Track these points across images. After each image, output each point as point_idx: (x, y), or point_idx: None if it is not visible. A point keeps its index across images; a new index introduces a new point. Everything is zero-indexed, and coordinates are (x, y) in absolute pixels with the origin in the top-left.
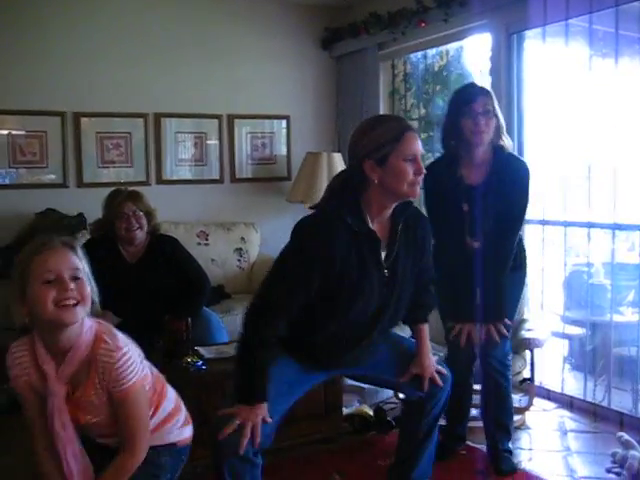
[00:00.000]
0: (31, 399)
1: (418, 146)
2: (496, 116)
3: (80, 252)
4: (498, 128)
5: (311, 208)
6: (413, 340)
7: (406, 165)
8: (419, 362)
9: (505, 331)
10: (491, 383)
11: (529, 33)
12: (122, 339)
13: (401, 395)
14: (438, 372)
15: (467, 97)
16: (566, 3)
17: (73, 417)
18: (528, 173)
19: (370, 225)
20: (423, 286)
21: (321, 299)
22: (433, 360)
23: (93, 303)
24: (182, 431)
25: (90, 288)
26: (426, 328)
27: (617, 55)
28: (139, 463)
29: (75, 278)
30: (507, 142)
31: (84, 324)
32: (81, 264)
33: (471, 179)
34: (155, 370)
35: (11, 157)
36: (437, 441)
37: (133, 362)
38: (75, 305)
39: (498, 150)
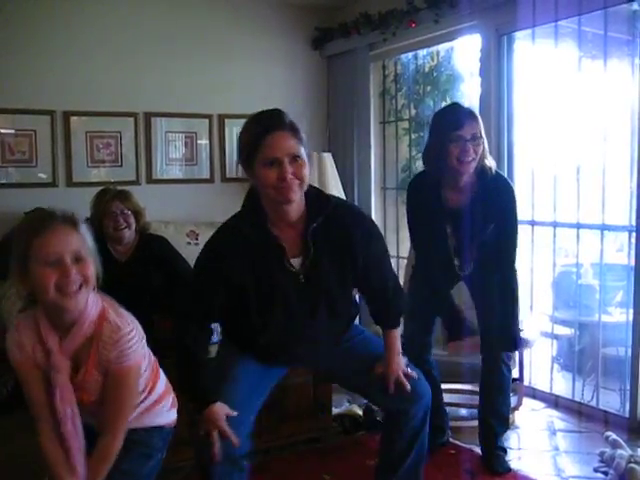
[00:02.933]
0: (33, 376)
1: (282, 147)
2: (482, 142)
3: (82, 227)
4: (483, 152)
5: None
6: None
7: (267, 171)
8: (385, 361)
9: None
10: (495, 374)
11: (519, 34)
12: (127, 317)
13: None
14: (406, 375)
15: (454, 122)
16: (555, 5)
17: (77, 398)
18: (514, 196)
19: (272, 232)
20: (384, 292)
21: (239, 307)
22: (402, 361)
23: (98, 279)
24: (169, 414)
25: (94, 265)
26: (395, 332)
27: (606, 57)
28: (120, 445)
29: (78, 259)
30: (491, 163)
31: (89, 300)
32: (84, 242)
33: (455, 202)
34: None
35: (0, 156)
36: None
37: (135, 342)
38: (78, 289)
39: (482, 173)
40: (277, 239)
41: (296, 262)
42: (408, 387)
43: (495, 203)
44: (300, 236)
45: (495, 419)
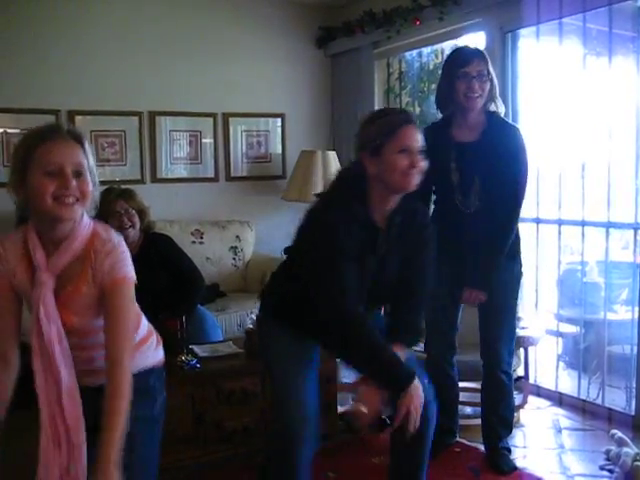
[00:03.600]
0: (6, 295)
1: (414, 140)
2: (490, 80)
3: (87, 146)
4: (492, 91)
5: (318, 196)
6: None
7: (399, 156)
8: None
9: (483, 298)
10: (495, 382)
11: (523, 32)
12: (117, 236)
13: None
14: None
15: (462, 60)
16: (560, 2)
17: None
18: (521, 137)
19: (373, 216)
20: (415, 300)
21: None
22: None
23: (94, 202)
24: (156, 353)
25: (92, 185)
26: (405, 351)
27: (611, 54)
28: (130, 376)
29: (78, 174)
30: (500, 107)
31: (83, 218)
32: (86, 159)
33: (461, 137)
34: None
35: (5, 155)
36: None
37: (127, 257)
38: (74, 202)
39: (490, 115)
40: (376, 223)
41: (379, 249)
42: (412, 429)
43: (502, 142)
44: (386, 226)
45: (498, 423)
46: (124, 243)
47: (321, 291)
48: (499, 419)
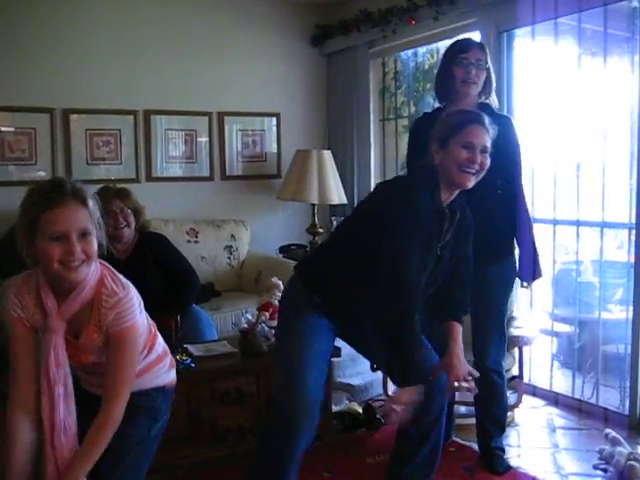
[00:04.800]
0: (28, 338)
1: (479, 138)
2: (487, 70)
3: (91, 203)
4: (487, 83)
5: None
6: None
7: (461, 150)
8: (448, 361)
9: None
10: (487, 381)
11: (519, 31)
12: (122, 282)
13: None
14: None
15: (462, 46)
16: (555, 2)
17: (76, 359)
18: (513, 126)
19: (442, 204)
20: (460, 278)
21: None
22: (465, 363)
23: (101, 247)
24: (169, 374)
25: (97, 241)
26: (459, 328)
27: (606, 54)
28: (121, 414)
29: (83, 235)
30: (494, 101)
31: (90, 267)
32: (91, 217)
33: None
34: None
35: (0, 154)
36: None
37: (132, 305)
38: (80, 265)
39: (483, 106)
40: (445, 211)
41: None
42: (472, 389)
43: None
44: (448, 217)
45: (491, 423)
46: (130, 292)
47: (390, 256)
48: (492, 419)
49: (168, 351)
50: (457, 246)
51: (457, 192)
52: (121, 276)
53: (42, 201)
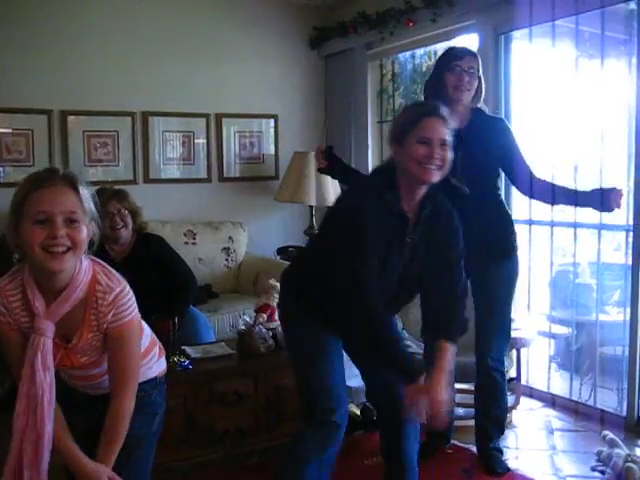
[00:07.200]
0: (15, 340)
1: (436, 132)
2: (479, 78)
3: (83, 190)
4: (478, 92)
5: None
6: None
7: (418, 146)
8: (432, 382)
9: None
10: (488, 380)
11: (516, 34)
12: (117, 275)
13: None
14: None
15: (456, 54)
16: (552, 4)
17: (66, 362)
18: (509, 128)
19: (403, 205)
20: (451, 296)
21: None
22: (445, 394)
23: (92, 244)
24: (159, 364)
25: (87, 231)
26: (449, 351)
27: (603, 56)
28: (133, 404)
29: (70, 221)
30: (483, 108)
31: (81, 264)
32: (80, 203)
33: None
34: None
35: None
36: (420, 440)
37: (130, 298)
38: (65, 252)
39: (476, 111)
40: (405, 212)
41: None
42: (441, 427)
43: (490, 131)
44: (415, 216)
45: (490, 423)
46: (125, 286)
47: (344, 272)
48: (491, 419)
49: (156, 340)
50: (434, 247)
51: (423, 189)
52: (114, 270)
53: (31, 183)
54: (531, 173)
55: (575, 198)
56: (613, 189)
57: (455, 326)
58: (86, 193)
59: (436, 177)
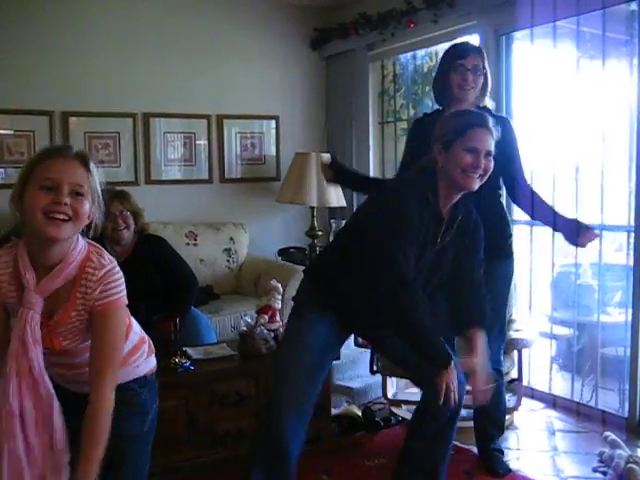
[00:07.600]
0: None
1: (483, 143)
2: (485, 75)
3: (93, 169)
4: (484, 87)
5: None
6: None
7: (465, 154)
8: (469, 363)
9: None
10: None
11: (517, 35)
12: (108, 257)
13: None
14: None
15: (459, 52)
16: (554, 5)
17: (48, 343)
18: (512, 128)
19: (440, 207)
20: (479, 291)
21: None
22: (486, 369)
23: (91, 227)
24: (148, 362)
25: (90, 208)
26: (481, 335)
27: (604, 57)
28: (112, 395)
29: (76, 193)
30: (489, 104)
31: (77, 242)
32: (88, 180)
33: None
34: None
35: None
36: None
37: (120, 278)
38: (65, 220)
39: (482, 110)
40: (443, 213)
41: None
42: (481, 402)
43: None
44: (448, 221)
45: (489, 424)
46: (117, 266)
47: (383, 256)
48: (491, 420)
49: (146, 337)
50: (462, 251)
51: (460, 195)
52: (107, 253)
53: (42, 153)
54: (519, 178)
55: (553, 221)
56: (589, 228)
57: (484, 314)
58: (95, 174)
59: (477, 185)
